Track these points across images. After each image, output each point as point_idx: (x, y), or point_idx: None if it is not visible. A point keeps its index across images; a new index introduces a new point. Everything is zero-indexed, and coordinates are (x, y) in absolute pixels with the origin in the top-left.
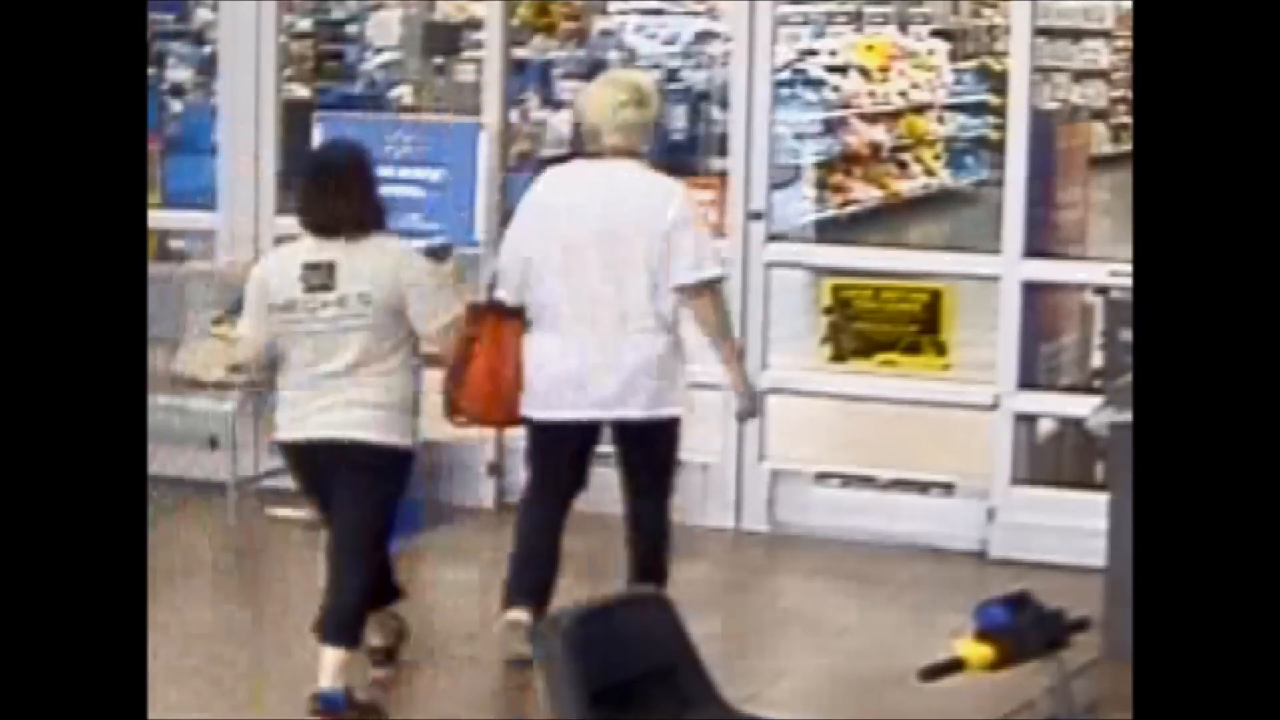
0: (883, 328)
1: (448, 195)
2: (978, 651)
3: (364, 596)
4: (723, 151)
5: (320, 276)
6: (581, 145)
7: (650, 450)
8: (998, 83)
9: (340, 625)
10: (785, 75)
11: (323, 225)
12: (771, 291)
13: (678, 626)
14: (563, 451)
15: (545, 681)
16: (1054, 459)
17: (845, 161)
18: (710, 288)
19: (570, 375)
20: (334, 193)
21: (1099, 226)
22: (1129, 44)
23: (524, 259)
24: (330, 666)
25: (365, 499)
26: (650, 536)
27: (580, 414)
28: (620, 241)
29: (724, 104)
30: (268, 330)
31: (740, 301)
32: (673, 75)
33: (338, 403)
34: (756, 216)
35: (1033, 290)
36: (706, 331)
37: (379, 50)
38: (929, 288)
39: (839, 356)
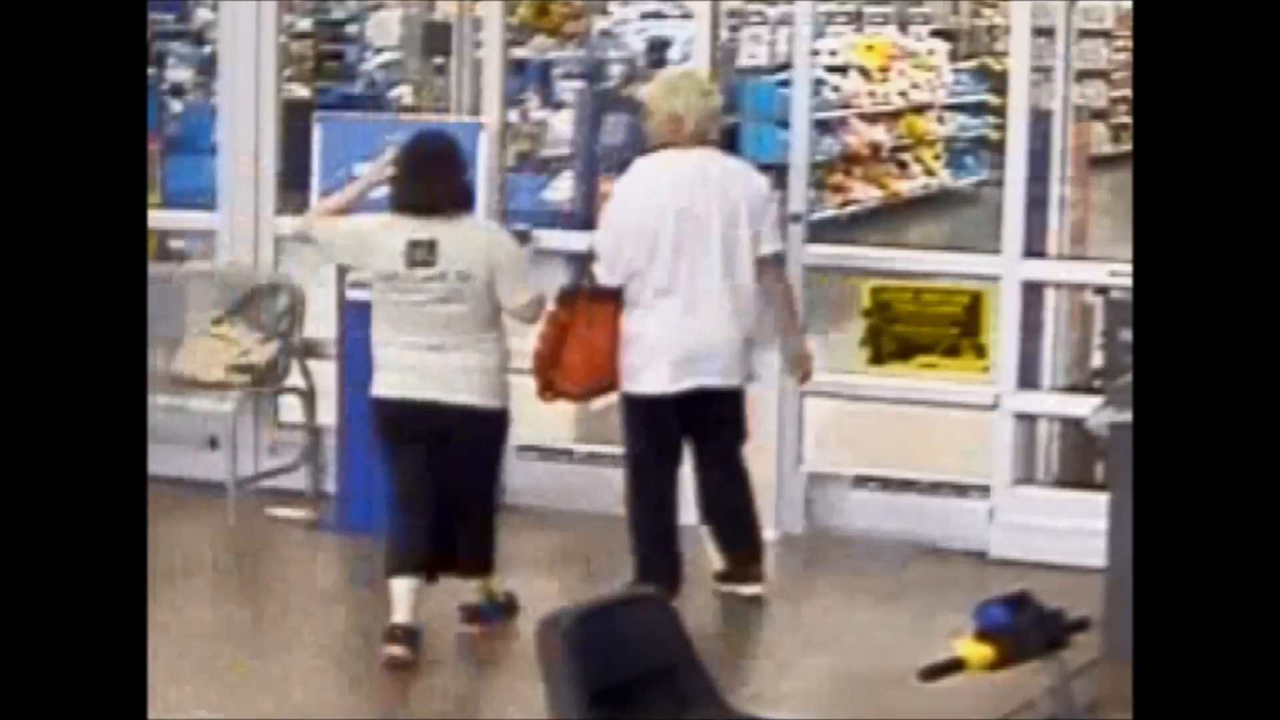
0: (923, 330)
1: None
2: (978, 651)
3: (490, 528)
4: (731, 151)
5: (423, 253)
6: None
7: (734, 417)
8: (998, 83)
9: (477, 558)
10: (785, 75)
11: (421, 206)
12: (809, 293)
13: (678, 626)
14: (671, 422)
15: (545, 681)
16: (1054, 459)
17: (845, 161)
18: (779, 258)
19: (685, 349)
20: (431, 176)
21: (1099, 226)
22: (1129, 44)
23: (630, 244)
24: (476, 586)
25: (473, 456)
26: (732, 503)
27: (696, 382)
28: (730, 222)
29: (726, 104)
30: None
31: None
32: None
33: (444, 369)
34: (796, 219)
35: (1032, 290)
36: (773, 300)
37: (379, 50)
38: (970, 290)
39: (877, 359)
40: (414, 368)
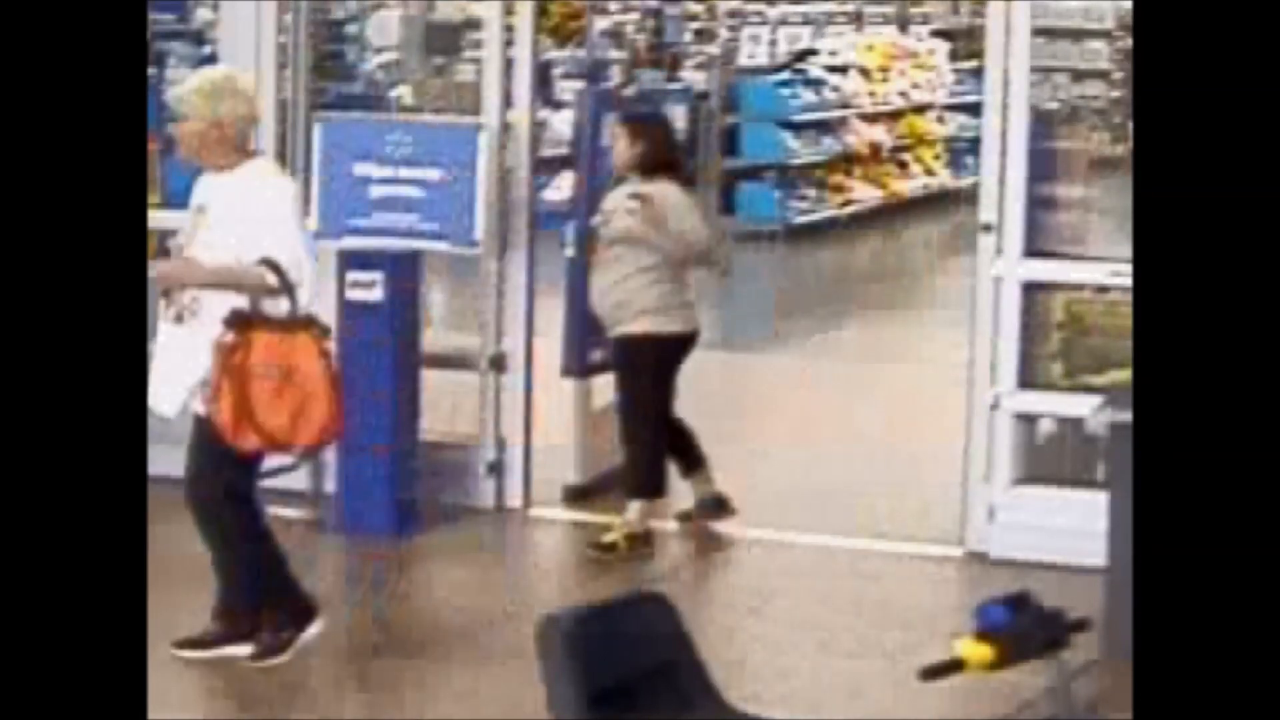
0: (1119, 344)
1: (448, 195)
2: (978, 651)
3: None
4: (730, 152)
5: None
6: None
7: None
8: None
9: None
10: (785, 75)
11: (645, 167)
12: (1001, 306)
13: (678, 626)
14: None
15: (545, 681)
16: (1054, 459)
17: (845, 161)
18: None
19: None
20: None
21: (1099, 226)
22: (1129, 44)
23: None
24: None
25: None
26: None
27: None
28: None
29: (726, 104)
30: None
31: (969, 316)
32: (673, 75)
33: (643, 303)
34: (986, 229)
35: (1032, 290)
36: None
37: (379, 50)
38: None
39: (1070, 373)
40: (622, 309)
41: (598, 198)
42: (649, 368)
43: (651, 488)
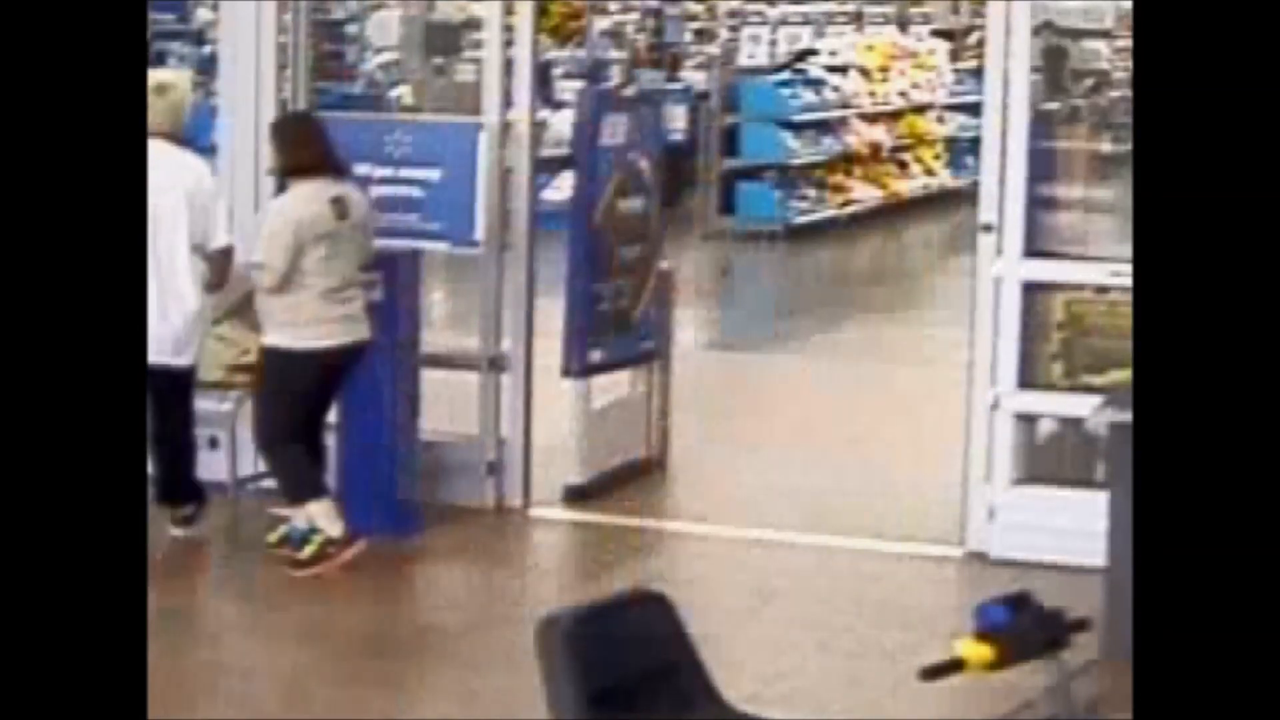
0: (1119, 344)
1: (448, 195)
2: (978, 651)
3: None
4: (730, 152)
5: (341, 208)
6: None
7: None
8: None
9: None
10: (785, 75)
11: (338, 167)
12: (1001, 306)
13: (678, 626)
14: None
15: (545, 681)
16: (1054, 459)
17: (845, 161)
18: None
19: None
20: (329, 145)
21: (1099, 226)
22: (1129, 44)
23: None
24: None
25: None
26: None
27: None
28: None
29: (726, 104)
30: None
31: (969, 316)
32: (673, 75)
33: (277, 314)
34: (986, 229)
35: (1032, 290)
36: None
37: (379, 50)
38: None
39: (1071, 373)
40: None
41: (597, 198)
42: (276, 381)
43: (309, 490)
